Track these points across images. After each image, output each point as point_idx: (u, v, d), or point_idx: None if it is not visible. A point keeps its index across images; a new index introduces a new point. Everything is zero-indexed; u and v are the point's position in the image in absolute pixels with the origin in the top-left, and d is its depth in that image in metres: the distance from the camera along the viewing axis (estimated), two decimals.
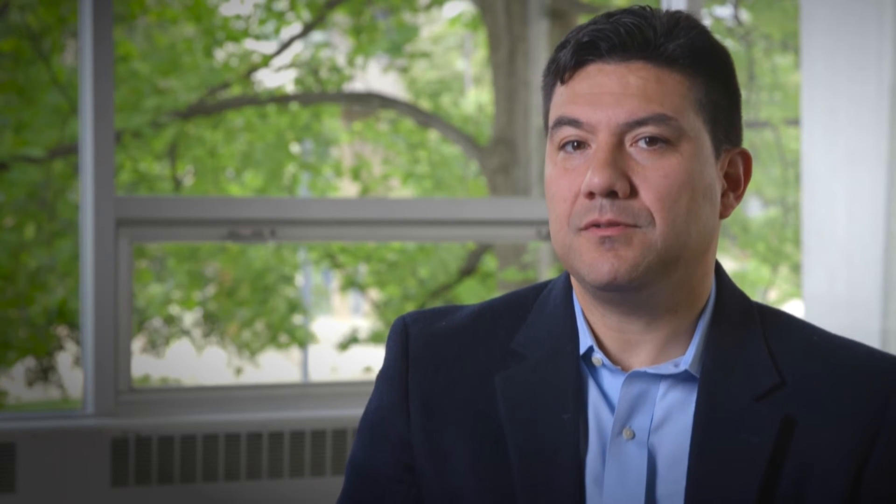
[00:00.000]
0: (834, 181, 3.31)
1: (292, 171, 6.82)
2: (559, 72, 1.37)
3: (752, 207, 7.73)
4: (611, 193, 1.32)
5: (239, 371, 6.88)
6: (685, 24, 1.36)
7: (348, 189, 7.19)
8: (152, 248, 6.54)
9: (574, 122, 1.35)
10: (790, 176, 6.68)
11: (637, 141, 1.33)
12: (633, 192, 1.32)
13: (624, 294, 1.35)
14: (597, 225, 1.33)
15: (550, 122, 1.38)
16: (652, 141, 1.33)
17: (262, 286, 6.74)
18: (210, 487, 3.10)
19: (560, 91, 1.37)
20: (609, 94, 1.33)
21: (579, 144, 1.35)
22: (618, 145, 1.33)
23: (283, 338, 6.89)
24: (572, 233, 1.35)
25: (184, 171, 6.70)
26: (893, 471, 1.34)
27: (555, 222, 1.37)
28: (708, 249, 1.38)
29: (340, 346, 7.07)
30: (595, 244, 1.33)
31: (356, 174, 6.92)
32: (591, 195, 1.32)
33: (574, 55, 1.36)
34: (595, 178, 1.31)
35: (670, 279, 1.35)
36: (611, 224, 1.32)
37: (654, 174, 1.32)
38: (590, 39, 1.35)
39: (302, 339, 6.97)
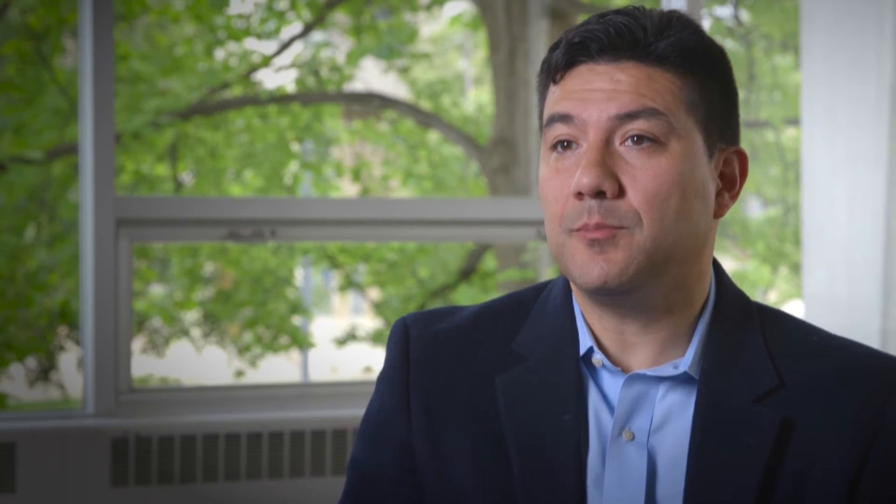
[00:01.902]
0: (834, 181, 3.31)
1: (293, 171, 6.82)
2: (551, 72, 1.38)
3: (752, 207, 7.73)
4: (599, 193, 1.32)
5: (239, 373, 6.87)
6: (677, 24, 1.36)
7: (349, 189, 7.19)
8: (155, 249, 6.53)
9: (564, 118, 1.35)
10: (790, 176, 6.68)
11: (626, 140, 1.33)
12: (621, 192, 1.32)
13: (617, 297, 1.35)
14: (586, 228, 1.33)
15: (543, 122, 1.39)
16: (641, 140, 1.33)
17: (262, 287, 6.73)
18: (210, 487, 3.10)
19: (552, 90, 1.38)
20: (600, 90, 1.34)
21: (570, 144, 1.35)
22: (607, 144, 1.33)
23: (283, 339, 6.88)
24: (564, 234, 1.35)
25: (185, 171, 6.69)
26: (892, 472, 1.34)
27: (548, 223, 1.37)
28: (702, 250, 1.38)
29: (338, 342, 7.07)
30: (585, 246, 1.33)
31: (356, 175, 6.92)
32: (579, 195, 1.33)
33: (565, 55, 1.36)
34: (584, 178, 1.32)
35: (662, 280, 1.35)
36: (598, 227, 1.32)
37: (643, 174, 1.32)
38: (580, 40, 1.35)
39: (301, 342, 6.96)
